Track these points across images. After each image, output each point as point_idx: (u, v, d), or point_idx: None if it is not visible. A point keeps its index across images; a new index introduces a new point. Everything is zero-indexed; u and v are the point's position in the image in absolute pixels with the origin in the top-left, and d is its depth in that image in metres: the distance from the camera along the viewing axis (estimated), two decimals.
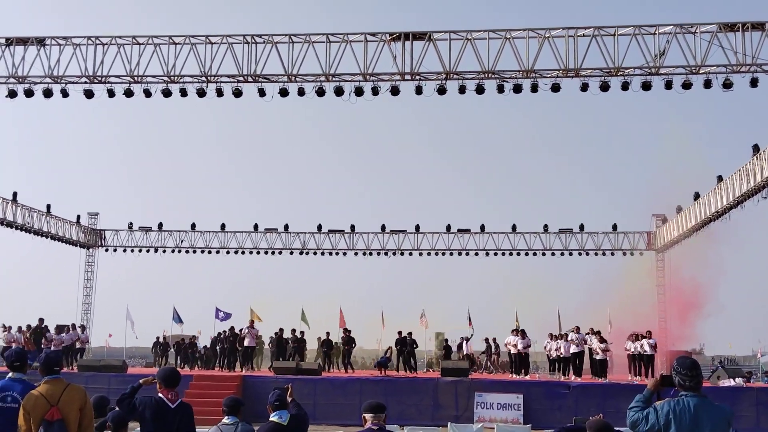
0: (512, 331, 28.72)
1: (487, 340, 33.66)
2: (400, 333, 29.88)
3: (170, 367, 8.12)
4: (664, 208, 39.77)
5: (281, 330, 30.64)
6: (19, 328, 29.86)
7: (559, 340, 27.23)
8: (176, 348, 35.48)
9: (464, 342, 32.73)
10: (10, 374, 7.26)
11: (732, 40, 22.23)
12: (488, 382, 24.52)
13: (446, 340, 33.99)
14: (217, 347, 32.64)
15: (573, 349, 26.44)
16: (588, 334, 27.13)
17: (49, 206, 37.92)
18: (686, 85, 22.54)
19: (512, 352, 27.94)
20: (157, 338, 37.01)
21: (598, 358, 26.72)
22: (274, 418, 7.76)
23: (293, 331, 30.91)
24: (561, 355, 26.70)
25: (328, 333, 31.32)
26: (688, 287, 38.91)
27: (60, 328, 30.83)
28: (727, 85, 22.29)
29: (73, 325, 32.33)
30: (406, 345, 29.55)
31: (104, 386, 22.20)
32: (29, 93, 24.20)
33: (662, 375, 5.81)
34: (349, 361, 30.16)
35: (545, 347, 28.38)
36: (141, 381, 7.79)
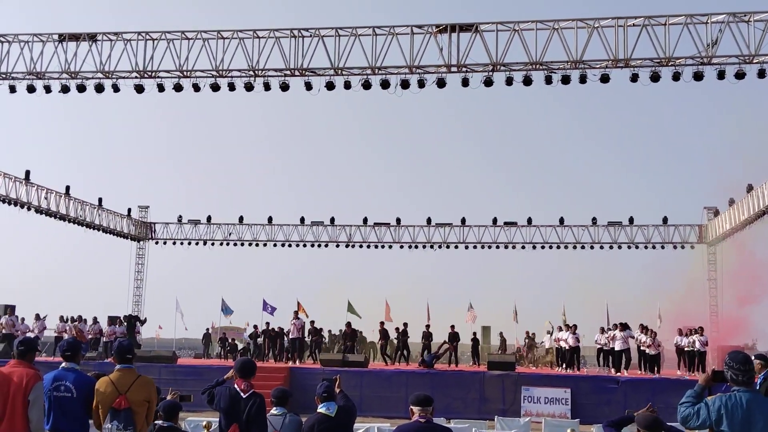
0: (561, 326, 28.53)
1: (527, 333, 33.54)
2: (453, 327, 29.61)
3: (246, 358, 8.44)
4: (716, 201, 39.06)
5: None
6: (71, 318, 30.52)
7: (608, 332, 26.97)
8: (221, 342, 35.83)
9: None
10: (63, 364, 7.43)
11: None
12: (535, 376, 24.37)
13: (501, 333, 33.92)
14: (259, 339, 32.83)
15: (618, 346, 26.12)
16: (639, 331, 26.76)
17: (100, 199, 38.68)
18: (739, 75, 22.05)
19: (564, 347, 27.66)
20: (207, 329, 37.53)
21: (650, 353, 26.34)
22: (321, 409, 7.82)
23: (405, 324, 30.31)
24: (608, 347, 26.44)
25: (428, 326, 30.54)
26: (742, 279, 38.12)
27: (112, 320, 31.45)
28: None
29: (123, 318, 33.11)
30: (456, 340, 29.33)
31: (155, 377, 22.20)
32: (81, 88, 24.64)
33: (714, 370, 5.72)
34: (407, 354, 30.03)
35: (596, 341, 28.06)
36: (225, 377, 8.19)
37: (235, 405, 7.71)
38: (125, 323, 30.84)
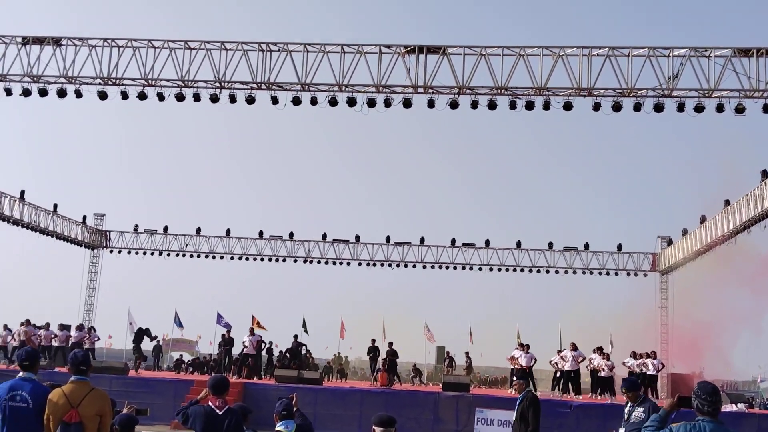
0: (516, 346, 28.55)
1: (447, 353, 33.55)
2: (373, 341, 29.72)
3: (219, 375, 8.30)
4: (669, 230, 39.84)
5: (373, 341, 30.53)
6: (27, 321, 29.63)
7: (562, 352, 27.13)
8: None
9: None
10: (20, 374, 7.28)
11: (746, 64, 22.28)
12: (489, 398, 24.42)
13: (448, 352, 33.88)
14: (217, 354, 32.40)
15: (568, 366, 26.23)
16: (594, 352, 26.98)
17: (56, 205, 38.05)
18: (698, 109, 22.55)
19: (515, 368, 27.59)
20: (158, 341, 36.92)
21: (602, 375, 26.56)
22: (280, 427, 7.83)
23: (390, 344, 29.64)
24: (563, 369, 26.57)
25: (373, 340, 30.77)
26: (694, 307, 38.85)
27: (63, 327, 30.81)
28: (740, 109, 22.29)
29: (82, 325, 32.53)
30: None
31: (105, 388, 21.64)
32: (43, 92, 24.30)
33: (679, 396, 5.82)
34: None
35: (551, 361, 28.10)
36: (198, 397, 8.10)
37: (211, 423, 7.66)
38: (135, 336, 30.39)
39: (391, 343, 29.42)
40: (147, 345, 33.92)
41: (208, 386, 7.90)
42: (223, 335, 30.82)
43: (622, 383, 10.46)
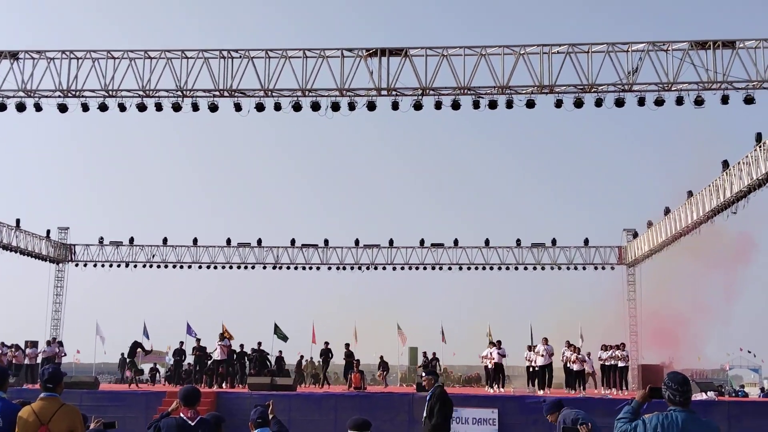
0: (489, 343, 28.56)
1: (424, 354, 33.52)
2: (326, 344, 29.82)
3: (189, 386, 8.15)
4: (634, 223, 40.35)
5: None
6: None
7: (531, 351, 27.28)
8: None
9: None
10: None
11: (703, 57, 22.63)
12: (463, 396, 24.51)
13: (433, 353, 33.74)
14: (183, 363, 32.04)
15: (540, 361, 26.38)
16: (565, 347, 27.21)
17: (18, 220, 37.50)
18: (659, 102, 22.85)
19: (489, 366, 27.57)
20: (122, 354, 36.41)
21: (574, 368, 26.80)
22: None
23: (347, 345, 29.91)
24: (536, 366, 26.71)
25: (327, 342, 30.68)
26: (661, 299, 39.38)
27: (31, 344, 30.41)
28: (699, 102, 22.64)
29: (53, 339, 32.07)
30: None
31: (75, 403, 21.43)
32: (2, 107, 23.94)
33: (651, 387, 5.89)
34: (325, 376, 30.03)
35: (526, 357, 28.13)
36: (170, 409, 8.01)
37: None
38: (127, 350, 29.78)
39: (347, 345, 29.61)
40: (115, 359, 33.50)
41: (179, 397, 7.80)
42: (194, 347, 30.57)
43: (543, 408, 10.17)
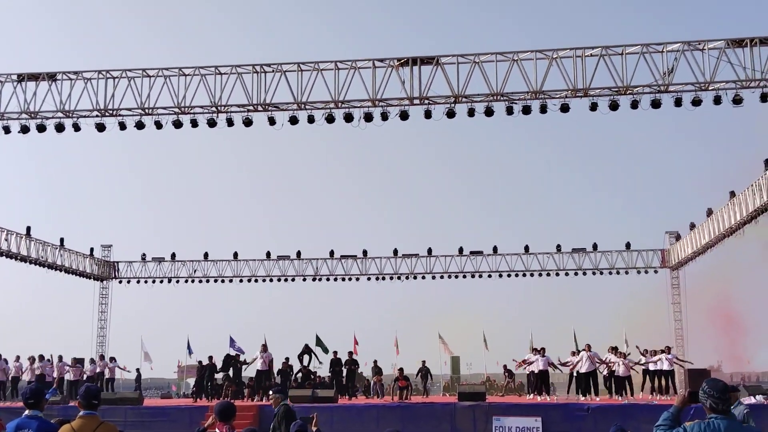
0: (532, 350, 28.27)
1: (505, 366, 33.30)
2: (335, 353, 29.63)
3: (225, 401, 8.16)
4: (677, 225, 39.69)
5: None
6: (33, 358, 29.62)
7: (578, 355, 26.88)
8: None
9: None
10: (26, 411, 7.23)
11: (740, 55, 22.23)
12: (506, 405, 24.24)
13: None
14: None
15: (585, 368, 26.00)
16: (609, 351, 26.80)
17: (62, 240, 38.15)
18: (696, 102, 22.51)
19: (534, 371, 27.27)
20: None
21: (619, 374, 26.36)
22: None
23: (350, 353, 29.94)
24: (579, 371, 26.31)
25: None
26: (719, 305, 38.66)
27: (76, 361, 30.75)
28: (737, 100, 22.25)
29: (101, 357, 32.49)
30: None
31: (120, 419, 21.99)
32: (41, 128, 24.41)
33: (690, 392, 5.74)
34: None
35: (566, 363, 27.78)
36: (206, 424, 7.95)
37: None
38: (223, 363, 29.89)
39: (350, 353, 29.44)
40: (161, 374, 33.75)
41: (215, 413, 7.82)
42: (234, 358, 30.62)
43: None
